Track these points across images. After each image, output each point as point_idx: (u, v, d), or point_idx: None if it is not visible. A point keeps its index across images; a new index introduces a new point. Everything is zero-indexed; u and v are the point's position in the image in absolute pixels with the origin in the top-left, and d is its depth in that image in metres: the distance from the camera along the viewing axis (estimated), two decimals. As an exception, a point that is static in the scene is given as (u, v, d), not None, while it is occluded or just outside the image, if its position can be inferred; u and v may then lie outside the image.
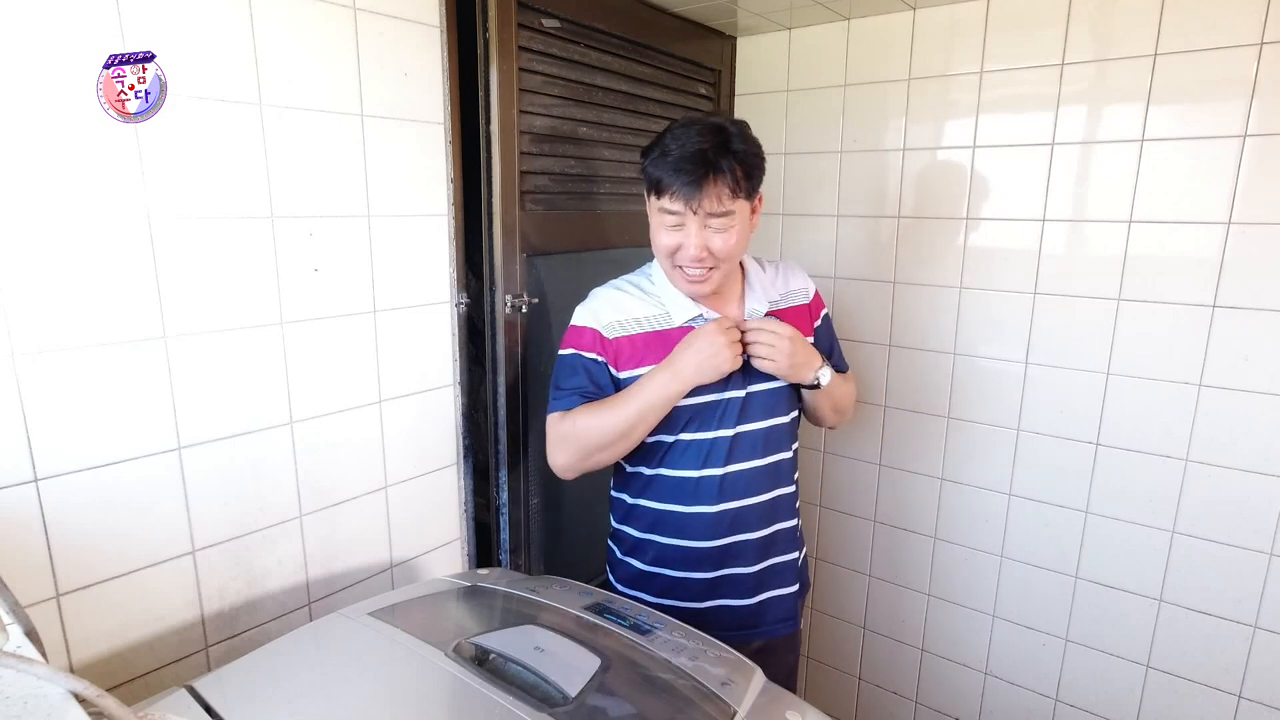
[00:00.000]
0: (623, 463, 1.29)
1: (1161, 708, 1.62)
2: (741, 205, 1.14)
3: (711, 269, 1.16)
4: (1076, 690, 1.73)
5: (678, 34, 1.79)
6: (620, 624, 1.01)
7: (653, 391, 1.15)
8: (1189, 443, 1.49)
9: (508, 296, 1.43)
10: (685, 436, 1.22)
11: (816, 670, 2.18)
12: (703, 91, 1.93)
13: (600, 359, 1.21)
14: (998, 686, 1.85)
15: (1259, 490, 1.43)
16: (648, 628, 1.01)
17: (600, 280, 1.30)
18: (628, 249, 1.73)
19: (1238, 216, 1.38)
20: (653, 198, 1.16)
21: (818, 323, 1.34)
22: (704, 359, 1.13)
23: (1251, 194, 1.36)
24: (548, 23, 1.46)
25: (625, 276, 1.29)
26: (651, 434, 1.20)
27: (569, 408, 1.21)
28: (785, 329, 1.19)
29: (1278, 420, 1.40)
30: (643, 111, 1.73)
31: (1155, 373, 1.51)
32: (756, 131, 1.18)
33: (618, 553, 1.34)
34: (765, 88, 1.94)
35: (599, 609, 1.05)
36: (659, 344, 1.20)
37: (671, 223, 1.15)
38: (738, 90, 2.00)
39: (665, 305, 1.22)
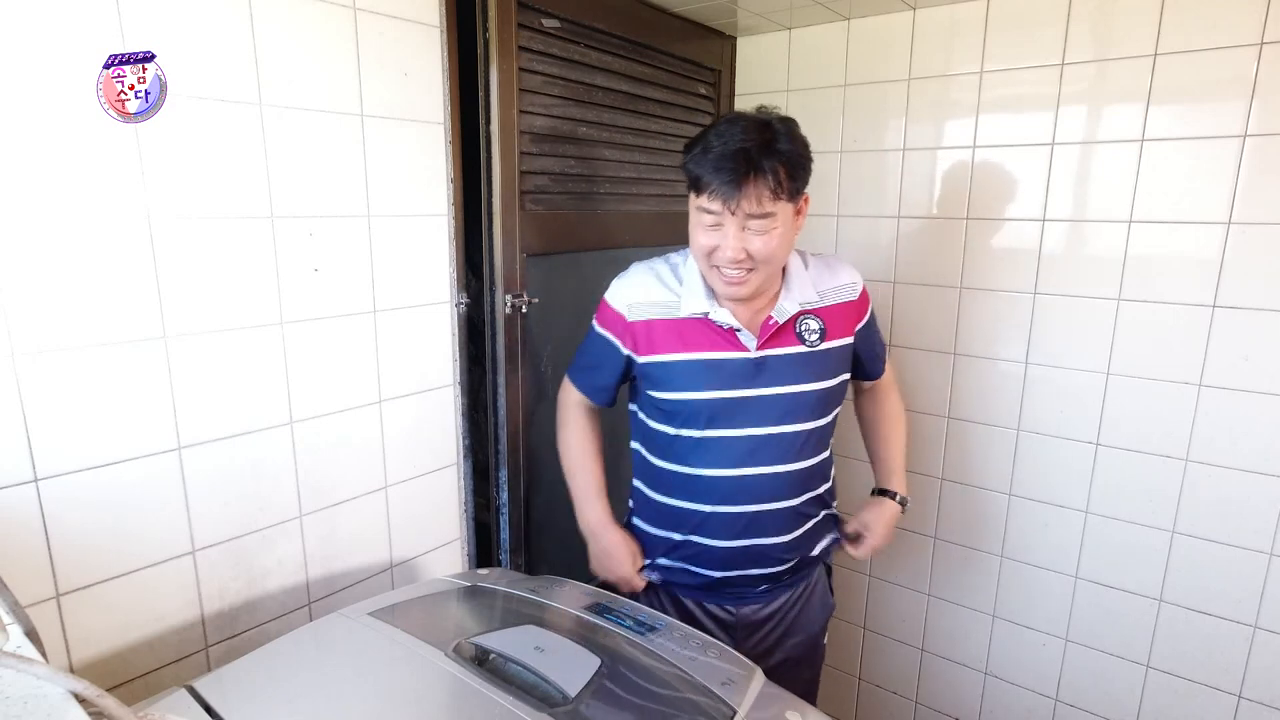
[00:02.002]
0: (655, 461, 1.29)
1: (1161, 708, 1.62)
2: (784, 207, 1.10)
3: (751, 270, 1.12)
4: (1076, 690, 1.73)
5: (678, 34, 1.79)
6: (620, 624, 1.01)
7: (579, 512, 1.34)
8: (1189, 443, 1.49)
9: (508, 296, 1.43)
10: (711, 433, 1.20)
11: (816, 670, 2.17)
12: (703, 91, 1.93)
13: (616, 342, 1.23)
14: (998, 686, 1.85)
15: (1259, 490, 1.43)
16: (648, 628, 1.01)
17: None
18: (628, 249, 1.73)
19: (1238, 216, 1.38)
20: (692, 195, 1.14)
21: (862, 323, 1.29)
22: (598, 560, 1.33)
23: (1251, 194, 1.36)
24: (548, 23, 1.46)
25: (667, 255, 1.28)
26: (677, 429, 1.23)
27: (582, 395, 1.31)
28: (878, 536, 1.37)
29: (1278, 420, 1.40)
30: (643, 111, 1.73)
31: (1155, 373, 1.51)
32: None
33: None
34: (765, 88, 1.94)
35: (599, 609, 1.05)
36: (671, 331, 1.19)
37: (709, 222, 1.11)
38: (738, 90, 2.00)
39: (680, 293, 1.20)
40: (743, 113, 1.14)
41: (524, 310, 1.46)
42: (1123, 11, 1.44)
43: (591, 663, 0.87)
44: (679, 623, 1.06)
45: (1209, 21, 1.36)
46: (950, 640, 1.90)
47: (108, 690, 0.50)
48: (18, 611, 0.61)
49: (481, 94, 1.37)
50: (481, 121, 1.38)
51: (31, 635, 0.59)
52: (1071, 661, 1.73)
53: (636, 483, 1.34)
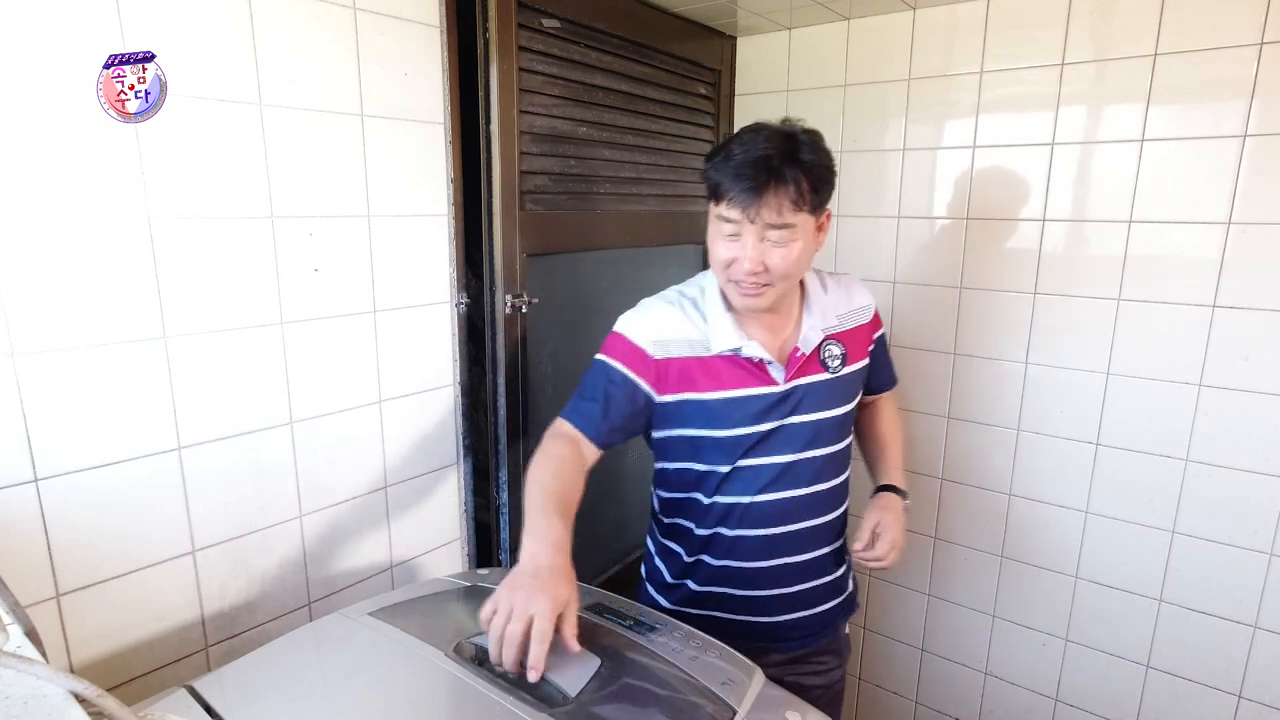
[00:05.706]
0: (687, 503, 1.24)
1: (1161, 708, 1.62)
2: (804, 219, 1.06)
3: (768, 284, 1.08)
4: (1076, 690, 1.73)
5: (678, 34, 1.79)
6: (620, 624, 1.01)
7: (527, 529, 0.98)
8: (1189, 443, 1.49)
9: (508, 296, 1.43)
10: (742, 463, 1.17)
11: (816, 670, 2.17)
12: (703, 91, 1.93)
13: (634, 377, 1.14)
14: (998, 686, 1.85)
15: (1259, 490, 1.44)
16: (648, 628, 1.01)
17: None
18: (627, 249, 1.73)
19: (1238, 216, 1.38)
20: (712, 204, 1.11)
21: (873, 344, 1.29)
22: (514, 589, 0.86)
23: (1251, 194, 1.36)
24: (548, 23, 1.46)
25: (679, 287, 1.23)
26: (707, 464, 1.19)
27: (575, 430, 1.14)
28: (895, 529, 1.22)
29: (1278, 420, 1.40)
30: (643, 111, 1.73)
31: (1155, 373, 1.51)
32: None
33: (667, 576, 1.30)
34: (765, 88, 1.94)
35: (599, 609, 1.05)
36: (701, 370, 1.15)
37: (728, 231, 1.07)
38: (738, 90, 2.00)
39: (707, 329, 1.16)
40: (767, 123, 1.11)
41: (524, 310, 1.46)
42: (1123, 11, 1.44)
43: (591, 663, 0.87)
44: (679, 623, 1.05)
45: (1209, 21, 1.36)
46: (950, 640, 1.90)
47: (108, 690, 0.50)
48: (18, 611, 0.61)
49: (481, 94, 1.37)
50: (481, 121, 1.38)
51: (31, 635, 0.59)
52: (1071, 661, 1.73)
53: (659, 522, 1.31)
